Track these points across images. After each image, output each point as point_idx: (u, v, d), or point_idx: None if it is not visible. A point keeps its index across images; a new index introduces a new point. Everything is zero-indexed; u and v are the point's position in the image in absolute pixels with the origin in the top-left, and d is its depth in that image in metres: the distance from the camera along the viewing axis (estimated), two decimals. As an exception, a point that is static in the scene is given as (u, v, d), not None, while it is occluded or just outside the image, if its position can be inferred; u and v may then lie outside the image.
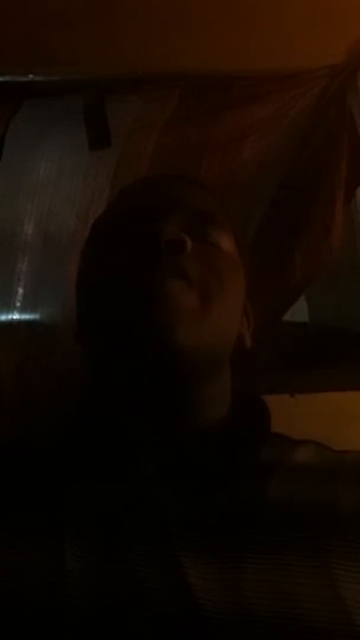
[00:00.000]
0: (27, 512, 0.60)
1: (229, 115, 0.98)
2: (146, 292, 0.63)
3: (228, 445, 0.65)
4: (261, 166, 0.96)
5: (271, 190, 0.96)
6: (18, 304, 0.99)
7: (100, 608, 0.54)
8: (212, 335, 0.64)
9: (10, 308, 0.99)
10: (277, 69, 0.98)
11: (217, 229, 0.71)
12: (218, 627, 0.52)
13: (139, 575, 0.55)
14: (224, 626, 0.53)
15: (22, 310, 0.99)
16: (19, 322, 0.99)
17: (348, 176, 0.94)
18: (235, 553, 0.56)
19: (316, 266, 0.93)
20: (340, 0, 0.98)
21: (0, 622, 0.54)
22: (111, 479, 0.62)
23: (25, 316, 0.99)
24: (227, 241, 0.72)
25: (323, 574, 0.56)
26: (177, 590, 0.54)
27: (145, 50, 0.98)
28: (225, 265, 0.69)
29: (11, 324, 0.99)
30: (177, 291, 0.63)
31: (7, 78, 1.01)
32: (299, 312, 0.99)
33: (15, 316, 0.99)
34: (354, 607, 0.54)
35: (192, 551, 0.56)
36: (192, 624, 0.53)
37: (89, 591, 0.54)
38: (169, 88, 0.99)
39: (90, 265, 0.73)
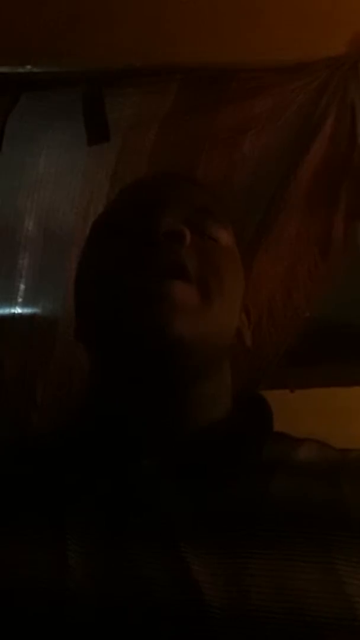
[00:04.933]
0: (30, 511, 0.61)
1: (229, 109, 0.97)
2: (144, 286, 0.63)
3: (231, 443, 0.66)
4: (261, 161, 0.96)
5: (271, 188, 0.95)
6: (19, 300, 0.99)
7: (104, 605, 0.54)
8: (211, 328, 0.65)
9: (11, 303, 0.99)
10: (277, 61, 0.97)
11: (215, 223, 0.71)
12: (222, 623, 0.53)
13: (143, 572, 0.56)
14: (229, 622, 0.53)
15: (23, 305, 0.99)
16: (20, 318, 0.99)
17: (348, 182, 0.94)
18: (239, 549, 0.57)
19: (318, 284, 0.93)
20: (341, -8, 0.97)
21: (4, 620, 0.54)
22: (114, 476, 0.63)
23: (26, 311, 1.00)
24: (226, 236, 0.72)
25: (327, 570, 0.56)
26: (181, 587, 0.55)
27: (143, 43, 0.97)
28: (224, 259, 0.70)
29: (13, 319, 0.99)
30: (176, 284, 0.63)
31: (5, 69, 1.00)
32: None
33: (17, 311, 1.00)
34: (358, 603, 0.55)
35: (196, 548, 0.57)
36: (196, 620, 0.53)
37: (92, 588, 0.55)
38: (167, 81, 0.98)
39: (89, 262, 0.73)
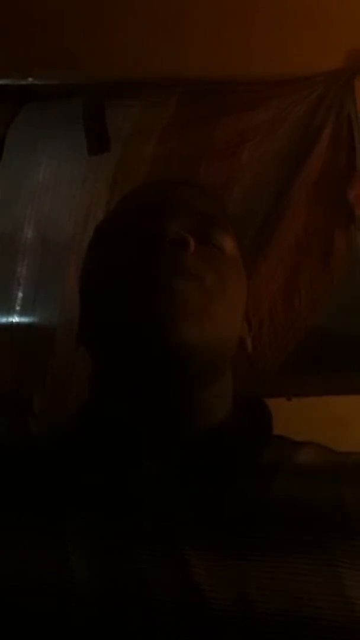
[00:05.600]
0: (30, 512, 0.61)
1: (227, 121, 0.98)
2: (149, 291, 0.63)
3: (232, 445, 0.66)
4: (259, 172, 0.97)
5: (270, 197, 0.97)
6: (17, 308, 0.99)
7: (105, 607, 0.54)
8: (214, 334, 0.65)
9: (10, 311, 0.99)
10: (275, 74, 0.99)
11: (220, 231, 0.71)
12: (224, 626, 0.53)
13: (144, 575, 0.55)
14: (230, 624, 0.53)
15: (21, 313, 1.00)
16: (19, 325, 1.00)
17: (345, 189, 0.95)
18: (240, 552, 0.57)
19: (319, 292, 0.94)
20: (338, 8, 0.99)
21: (5, 622, 0.54)
22: (114, 478, 0.62)
23: (25, 319, 1.00)
24: (230, 244, 0.72)
25: (328, 572, 0.56)
26: (181, 589, 0.54)
27: (144, 56, 0.99)
28: (227, 267, 0.70)
29: (11, 326, 0.99)
30: (180, 290, 0.64)
31: (7, 81, 1.01)
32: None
33: (15, 319, 1.00)
34: (359, 605, 0.54)
35: (197, 550, 0.56)
36: (197, 622, 0.53)
37: (93, 591, 0.55)
38: (167, 93, 0.99)
39: (93, 267, 0.73)
